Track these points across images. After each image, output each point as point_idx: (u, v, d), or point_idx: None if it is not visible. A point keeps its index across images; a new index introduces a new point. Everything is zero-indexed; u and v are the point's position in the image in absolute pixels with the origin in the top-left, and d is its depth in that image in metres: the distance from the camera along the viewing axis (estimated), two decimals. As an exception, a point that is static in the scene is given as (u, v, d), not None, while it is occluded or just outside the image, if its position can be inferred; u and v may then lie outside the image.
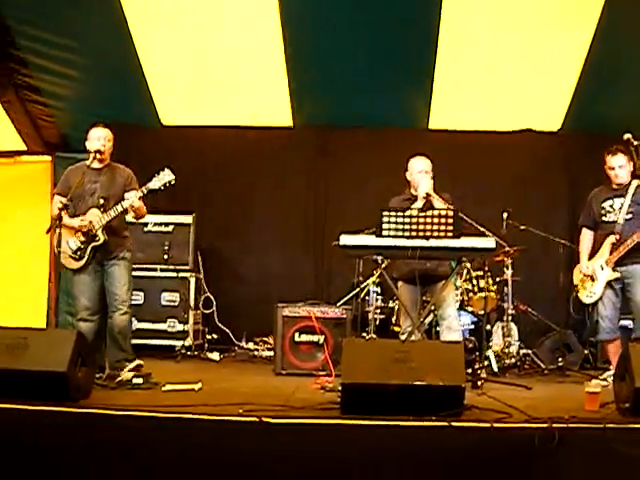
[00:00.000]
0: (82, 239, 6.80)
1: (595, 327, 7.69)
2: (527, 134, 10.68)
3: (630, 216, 7.38)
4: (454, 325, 7.35)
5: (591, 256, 7.65)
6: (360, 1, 9.00)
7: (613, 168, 7.48)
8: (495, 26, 9.27)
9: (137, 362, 6.88)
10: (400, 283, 7.44)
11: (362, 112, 10.22)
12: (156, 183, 6.88)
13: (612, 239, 7.39)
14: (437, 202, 7.10)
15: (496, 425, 4.76)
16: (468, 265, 8.84)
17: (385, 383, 4.95)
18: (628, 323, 7.80)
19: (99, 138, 6.93)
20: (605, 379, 7.11)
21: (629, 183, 7.48)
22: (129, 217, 7.17)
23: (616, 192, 7.53)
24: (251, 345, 9.83)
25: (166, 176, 6.92)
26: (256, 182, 10.67)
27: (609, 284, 7.44)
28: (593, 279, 7.54)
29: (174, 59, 9.80)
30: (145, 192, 6.85)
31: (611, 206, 7.51)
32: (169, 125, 10.70)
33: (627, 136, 7.01)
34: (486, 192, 10.23)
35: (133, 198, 6.80)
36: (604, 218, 7.56)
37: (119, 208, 6.81)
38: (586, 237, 7.78)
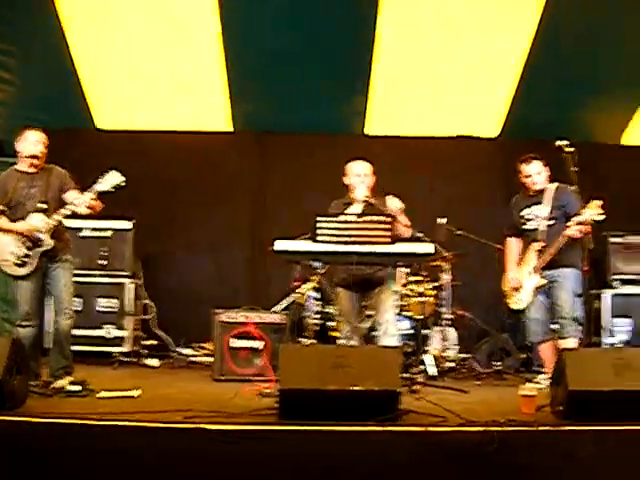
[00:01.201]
0: (28, 244, 6.68)
1: (525, 331, 7.77)
2: (466, 140, 10.79)
3: (553, 222, 7.45)
4: (391, 330, 7.34)
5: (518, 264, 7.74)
6: (298, 6, 9.01)
7: (530, 176, 7.56)
8: (433, 31, 9.36)
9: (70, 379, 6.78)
10: (339, 289, 7.43)
11: (300, 117, 10.25)
12: (105, 185, 6.69)
13: (537, 246, 7.45)
14: (376, 207, 7.15)
15: (432, 429, 4.81)
16: (406, 270, 8.90)
17: (322, 389, 4.96)
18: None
19: (36, 143, 6.77)
20: (539, 382, 7.20)
21: (545, 189, 7.58)
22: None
23: (533, 199, 7.62)
24: (190, 351, 9.73)
25: (114, 178, 6.73)
26: (195, 187, 10.63)
27: (538, 289, 7.53)
28: (521, 286, 7.61)
29: (110, 62, 9.71)
30: (93, 196, 6.72)
31: (530, 214, 7.59)
32: (104, 129, 10.62)
33: (559, 143, 7.09)
34: (424, 198, 10.25)
35: (85, 199, 6.69)
36: (525, 226, 7.64)
37: (65, 212, 6.68)
38: (512, 246, 7.85)
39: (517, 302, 7.65)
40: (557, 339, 7.41)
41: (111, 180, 6.74)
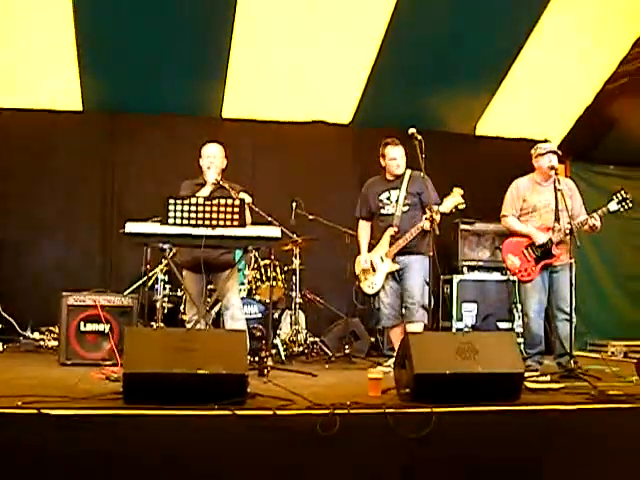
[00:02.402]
0: None
1: (378, 315, 7.88)
2: (319, 126, 10.87)
3: (407, 208, 7.59)
4: (237, 314, 7.34)
5: (370, 247, 7.82)
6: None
7: (395, 159, 7.66)
8: (291, 18, 9.38)
9: None
10: (185, 271, 7.37)
11: (154, 98, 10.13)
12: None
13: (391, 231, 7.57)
14: (226, 190, 7.16)
15: (278, 412, 4.80)
16: (256, 254, 8.92)
17: (168, 372, 4.90)
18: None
19: None
20: (389, 365, 7.29)
21: (402, 174, 7.70)
22: None
23: (391, 184, 7.74)
24: (37, 335, 9.51)
25: None
26: (44, 168, 10.35)
27: (390, 274, 7.63)
28: (374, 270, 7.70)
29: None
30: None
31: (388, 198, 7.70)
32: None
33: (412, 131, 7.13)
34: (278, 182, 10.34)
35: None
36: (382, 211, 7.73)
37: None
38: (364, 229, 7.94)
39: (370, 286, 7.74)
40: (405, 323, 7.54)
41: None
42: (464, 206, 7.37)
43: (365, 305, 8.47)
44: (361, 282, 7.84)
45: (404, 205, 7.59)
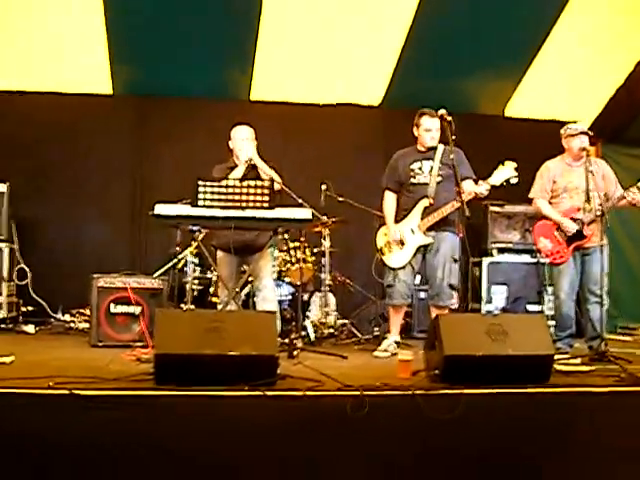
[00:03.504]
0: None
1: (389, 291, 7.65)
2: (348, 108, 10.83)
3: (440, 179, 7.41)
4: (269, 296, 7.41)
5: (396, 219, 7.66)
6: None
7: (429, 130, 7.46)
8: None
9: None
10: (220, 253, 7.45)
11: (183, 81, 10.12)
12: None
13: (426, 202, 7.38)
14: (261, 169, 7.23)
15: (309, 393, 4.81)
16: (286, 236, 8.92)
17: (198, 353, 4.92)
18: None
19: None
20: (386, 349, 7.37)
21: (436, 147, 7.53)
22: None
23: (424, 155, 7.55)
24: (67, 317, 9.57)
25: None
26: (74, 151, 10.41)
27: (421, 247, 7.47)
28: (402, 243, 7.53)
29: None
30: None
31: (420, 168, 7.50)
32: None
33: (442, 112, 7.11)
34: (307, 164, 10.32)
35: None
36: (413, 180, 7.52)
37: None
38: (391, 200, 7.71)
39: (394, 259, 7.57)
40: (432, 305, 7.50)
41: None
42: (516, 180, 7.27)
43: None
44: (384, 255, 7.67)
45: (438, 176, 7.43)
